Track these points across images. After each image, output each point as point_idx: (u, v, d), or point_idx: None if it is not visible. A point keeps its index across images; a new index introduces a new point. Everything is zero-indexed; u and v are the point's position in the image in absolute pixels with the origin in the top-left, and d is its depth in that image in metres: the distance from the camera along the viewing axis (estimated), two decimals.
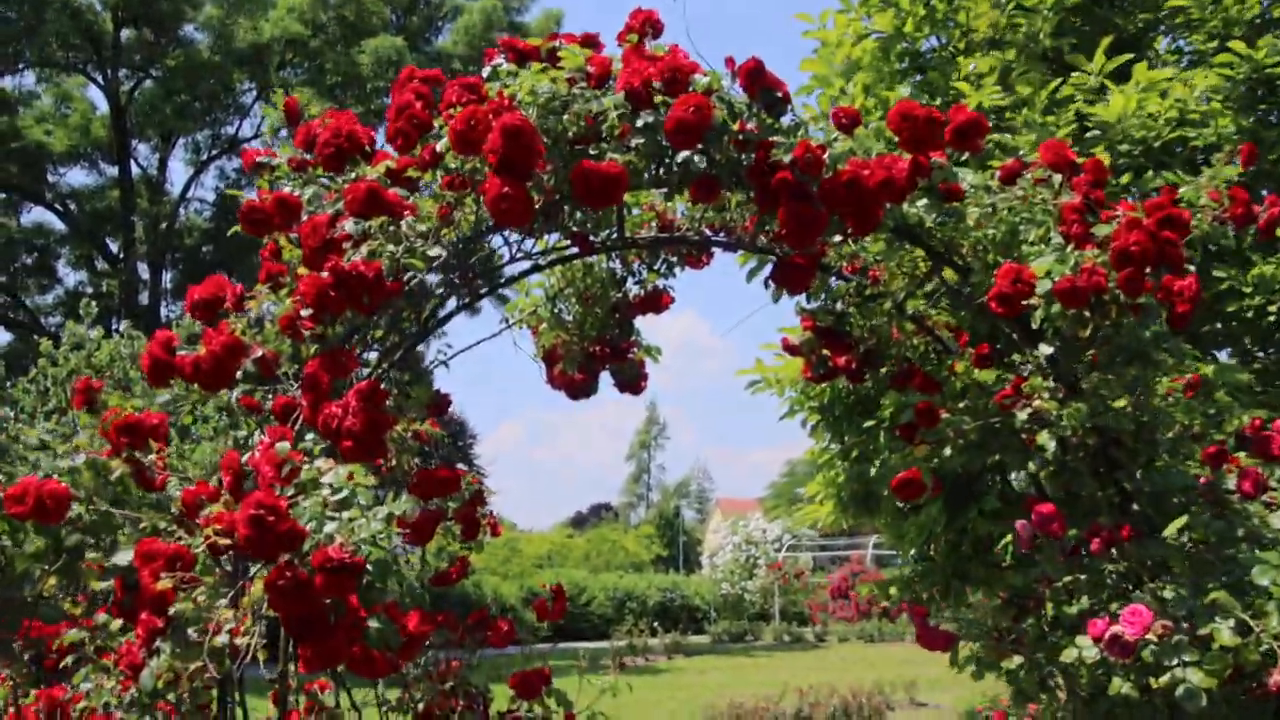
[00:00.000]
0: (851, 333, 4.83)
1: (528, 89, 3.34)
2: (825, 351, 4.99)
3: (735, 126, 3.67)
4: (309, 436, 3.67)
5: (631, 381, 5.41)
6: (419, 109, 3.66)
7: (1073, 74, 5.61)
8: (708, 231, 4.85)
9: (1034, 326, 3.53)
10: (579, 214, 4.58)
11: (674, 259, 5.20)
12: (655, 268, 5.15)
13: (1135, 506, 3.83)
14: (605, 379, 5.51)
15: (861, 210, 3.49)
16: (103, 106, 29.02)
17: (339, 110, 3.99)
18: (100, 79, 27.65)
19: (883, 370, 5.11)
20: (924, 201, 3.80)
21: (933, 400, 3.80)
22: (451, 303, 5.01)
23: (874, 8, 5.59)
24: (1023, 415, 3.48)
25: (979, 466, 4.15)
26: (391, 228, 3.40)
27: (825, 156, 3.44)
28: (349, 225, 3.36)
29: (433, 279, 4.69)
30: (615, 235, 4.68)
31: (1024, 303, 3.34)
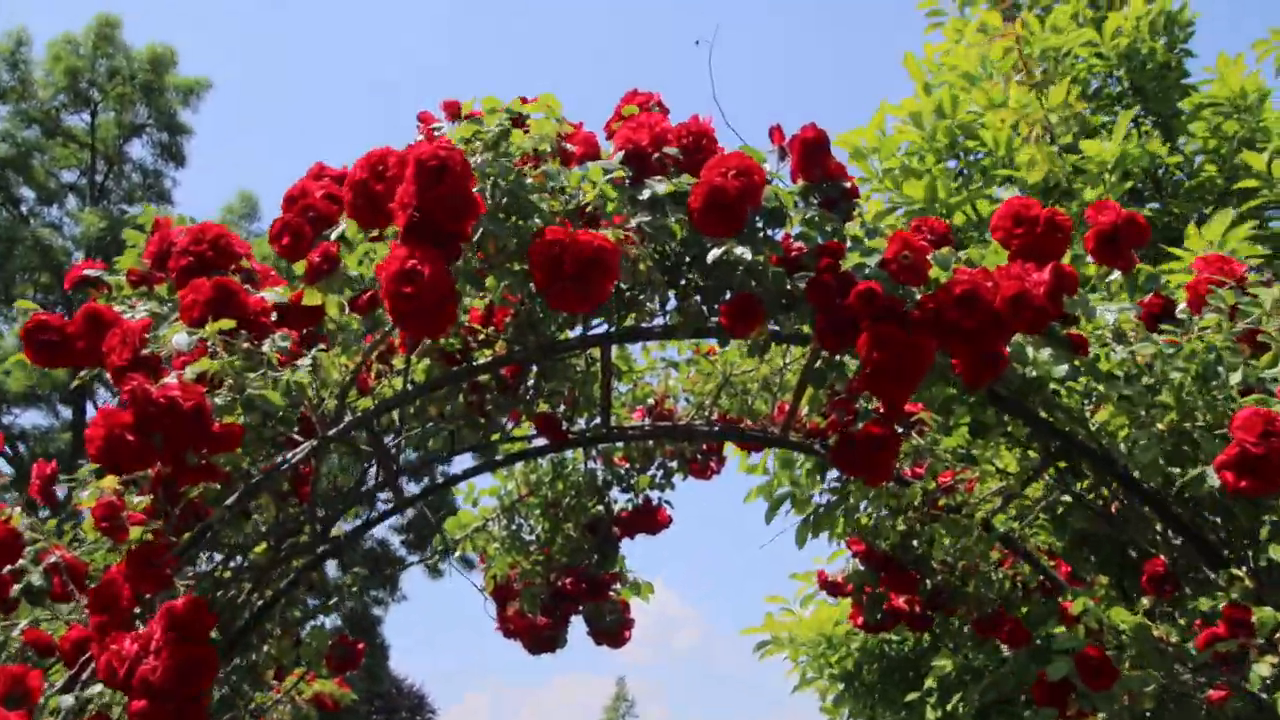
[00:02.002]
0: (919, 561, 3.52)
1: (468, 127, 2.18)
2: (880, 590, 3.65)
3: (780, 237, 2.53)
4: (96, 688, 2.27)
5: (612, 630, 4.00)
6: (317, 199, 2.49)
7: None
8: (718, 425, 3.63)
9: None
10: (545, 384, 3.37)
11: (673, 463, 3.93)
12: (649, 473, 3.87)
13: None
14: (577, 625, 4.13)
15: (979, 345, 2.28)
16: None
17: None
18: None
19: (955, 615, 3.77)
20: (1047, 350, 2.60)
21: (1102, 654, 2.43)
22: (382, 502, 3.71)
23: (901, 177, 4.60)
24: (1262, 669, 2.14)
25: None
26: (246, 344, 2.14)
27: (930, 258, 2.26)
28: (180, 338, 2.10)
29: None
30: (599, 422, 3.44)
31: None
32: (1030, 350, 2.54)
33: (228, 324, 2.12)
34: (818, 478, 4.05)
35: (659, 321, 2.83)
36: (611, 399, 3.39)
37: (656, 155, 2.35)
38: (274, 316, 2.57)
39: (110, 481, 2.55)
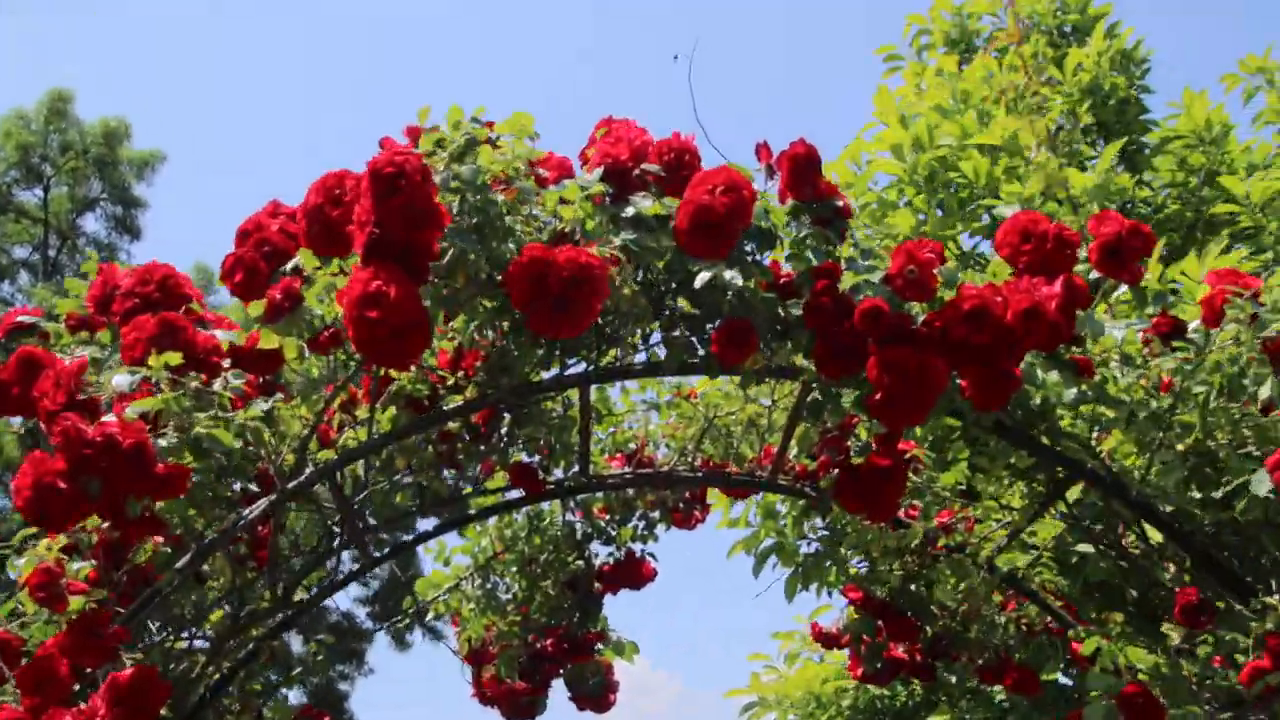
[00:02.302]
0: (919, 607, 3.34)
1: (430, 138, 2.02)
2: (878, 639, 3.46)
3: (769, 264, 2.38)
4: None
5: (596, 694, 3.77)
6: (273, 233, 2.32)
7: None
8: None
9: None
10: (520, 431, 3.18)
11: (655, 514, 3.74)
12: (631, 524, 3.67)
13: None
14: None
15: (991, 364, 2.13)
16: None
17: None
18: None
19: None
20: (1055, 374, 2.46)
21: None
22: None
23: (879, 212, 4.49)
24: None
25: None
26: (194, 383, 1.95)
27: (936, 272, 2.12)
28: (120, 378, 1.91)
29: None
30: (578, 470, 3.25)
31: None
32: (1039, 372, 2.40)
33: (173, 358, 1.93)
34: (804, 528, 3.89)
35: (641, 358, 2.68)
36: (590, 445, 3.21)
37: (638, 172, 2.20)
38: (227, 362, 2.38)
39: (49, 546, 2.33)
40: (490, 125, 2.37)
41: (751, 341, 2.18)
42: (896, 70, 5.31)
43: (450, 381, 2.95)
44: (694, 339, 2.34)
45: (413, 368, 2.88)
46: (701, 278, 2.13)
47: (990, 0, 5.31)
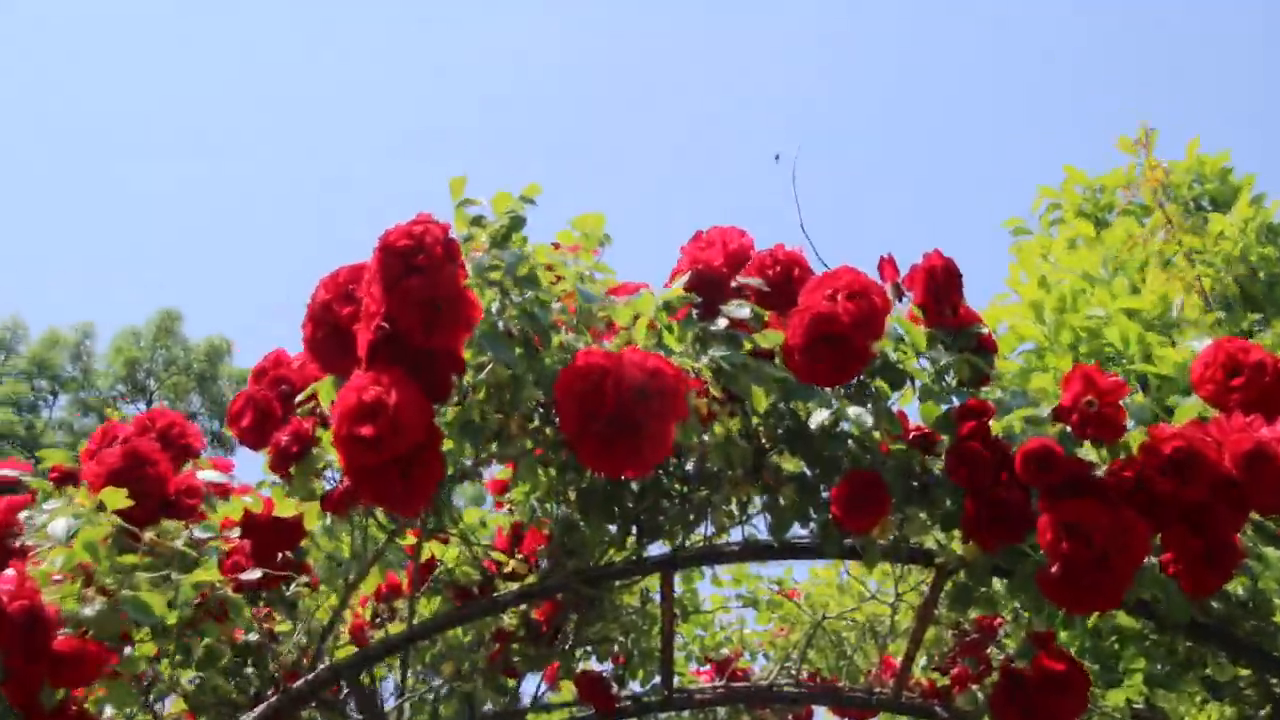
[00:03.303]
0: None
1: (464, 216, 1.62)
2: None
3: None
4: None
5: None
6: (293, 369, 1.93)
7: None
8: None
9: None
10: (588, 630, 2.67)
11: None
12: None
13: None
14: None
15: (1205, 529, 1.59)
16: None
17: None
18: None
19: None
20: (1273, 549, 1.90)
21: None
22: None
23: (1020, 380, 4.01)
24: None
25: None
26: (149, 534, 1.51)
27: (1122, 404, 1.62)
28: (58, 524, 1.48)
29: None
30: (659, 682, 2.69)
31: None
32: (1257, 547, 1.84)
33: (115, 497, 1.48)
34: None
35: (736, 537, 2.19)
36: (674, 651, 2.67)
37: (735, 283, 1.76)
38: (236, 532, 1.96)
39: None
40: (556, 246, 1.99)
41: (883, 501, 1.68)
42: (1023, 245, 4.96)
43: (507, 567, 2.49)
44: (806, 503, 1.84)
45: (463, 548, 2.44)
46: (818, 416, 1.65)
47: (1125, 174, 4.97)
